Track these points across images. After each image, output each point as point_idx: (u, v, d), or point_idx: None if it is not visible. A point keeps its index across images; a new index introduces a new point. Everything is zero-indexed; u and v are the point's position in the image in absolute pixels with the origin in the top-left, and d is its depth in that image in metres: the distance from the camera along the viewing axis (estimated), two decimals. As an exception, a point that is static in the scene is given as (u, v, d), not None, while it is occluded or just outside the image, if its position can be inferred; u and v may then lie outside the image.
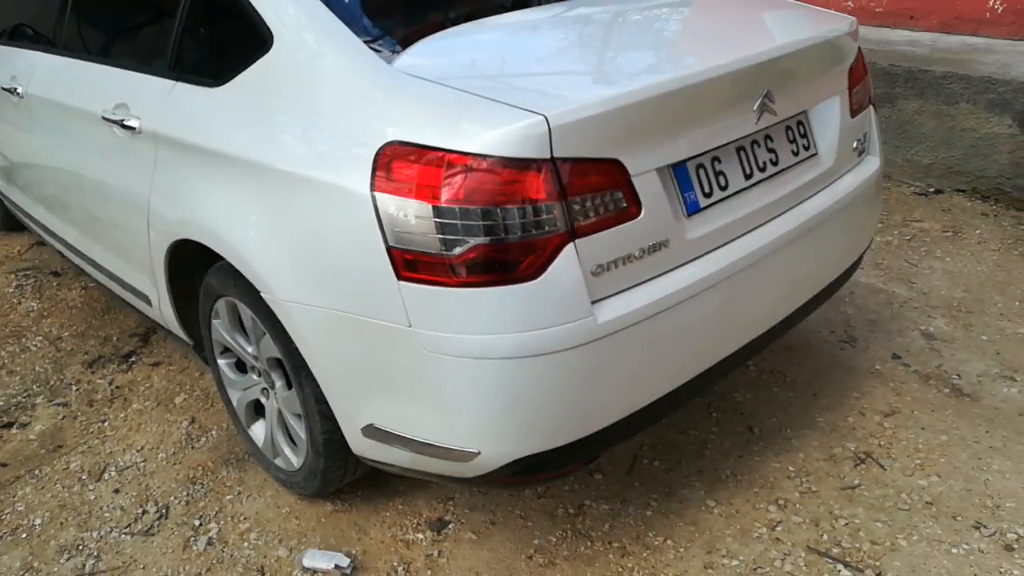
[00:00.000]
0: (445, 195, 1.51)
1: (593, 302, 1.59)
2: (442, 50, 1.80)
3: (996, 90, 3.76)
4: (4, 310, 3.53)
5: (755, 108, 1.83)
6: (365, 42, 1.77)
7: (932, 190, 4.10)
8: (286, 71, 1.83)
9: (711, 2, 2.32)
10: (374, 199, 1.58)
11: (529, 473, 1.73)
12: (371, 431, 1.80)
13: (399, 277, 1.58)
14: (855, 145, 2.20)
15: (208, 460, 2.48)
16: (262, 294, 1.85)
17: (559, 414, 1.64)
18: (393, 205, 1.56)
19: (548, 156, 1.51)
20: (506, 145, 1.49)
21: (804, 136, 2.05)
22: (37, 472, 2.51)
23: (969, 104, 3.87)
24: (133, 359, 3.10)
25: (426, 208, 1.52)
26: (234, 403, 2.38)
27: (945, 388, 2.58)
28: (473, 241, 1.51)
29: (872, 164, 2.28)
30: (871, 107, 2.29)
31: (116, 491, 2.40)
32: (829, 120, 2.10)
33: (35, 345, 3.24)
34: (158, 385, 2.91)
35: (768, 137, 1.94)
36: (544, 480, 2.05)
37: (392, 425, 1.76)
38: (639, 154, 1.62)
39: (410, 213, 1.54)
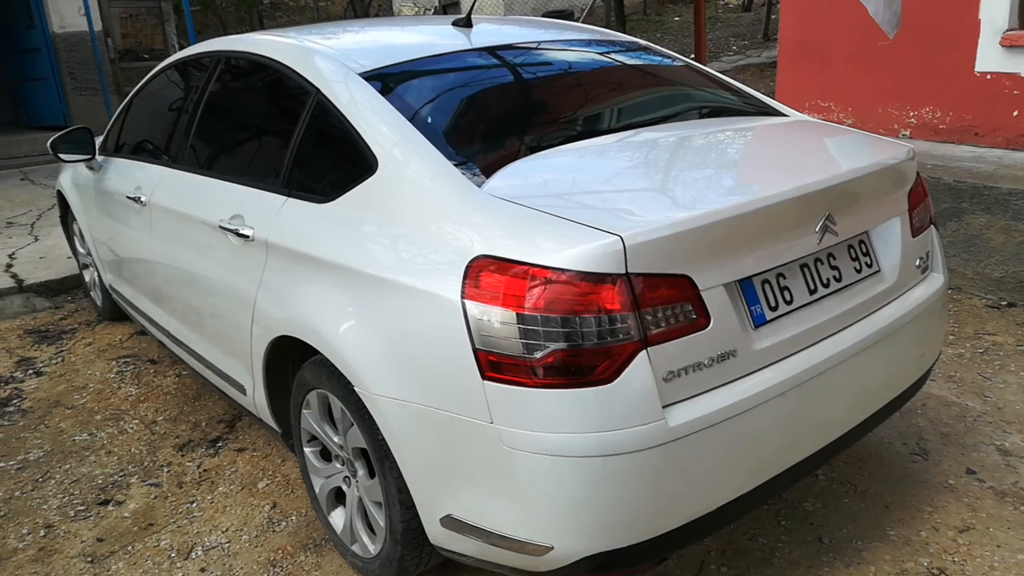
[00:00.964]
0: (528, 304, 1.66)
1: (664, 406, 1.70)
2: (526, 174, 2.00)
3: (1065, 207, 3.80)
4: (105, 393, 3.80)
5: (817, 230, 1.95)
6: (458, 162, 1.99)
7: (1004, 303, 4.08)
8: (390, 191, 2.05)
9: (775, 130, 2.50)
10: (464, 305, 1.74)
11: (599, 570, 1.80)
12: (449, 521, 1.90)
13: (484, 377, 1.72)
14: (918, 263, 2.29)
15: (288, 544, 2.61)
16: (355, 388, 2.01)
17: (630, 513, 1.72)
18: (480, 311, 1.72)
19: (623, 271, 1.66)
20: (584, 261, 1.65)
21: (867, 255, 2.15)
22: (130, 548, 2.67)
23: (1038, 220, 3.90)
24: (220, 444, 3.29)
25: (510, 315, 1.68)
26: (316, 490, 2.52)
27: (1022, 505, 2.54)
28: (552, 346, 1.65)
29: (936, 281, 2.35)
30: (932, 227, 2.39)
31: (202, 570, 2.53)
32: (891, 239, 2.21)
33: (132, 428, 3.47)
34: (243, 470, 3.08)
35: (831, 256, 2.06)
36: None
37: (470, 516, 1.86)
38: (708, 270, 1.76)
39: (496, 319, 1.70)
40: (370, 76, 2.31)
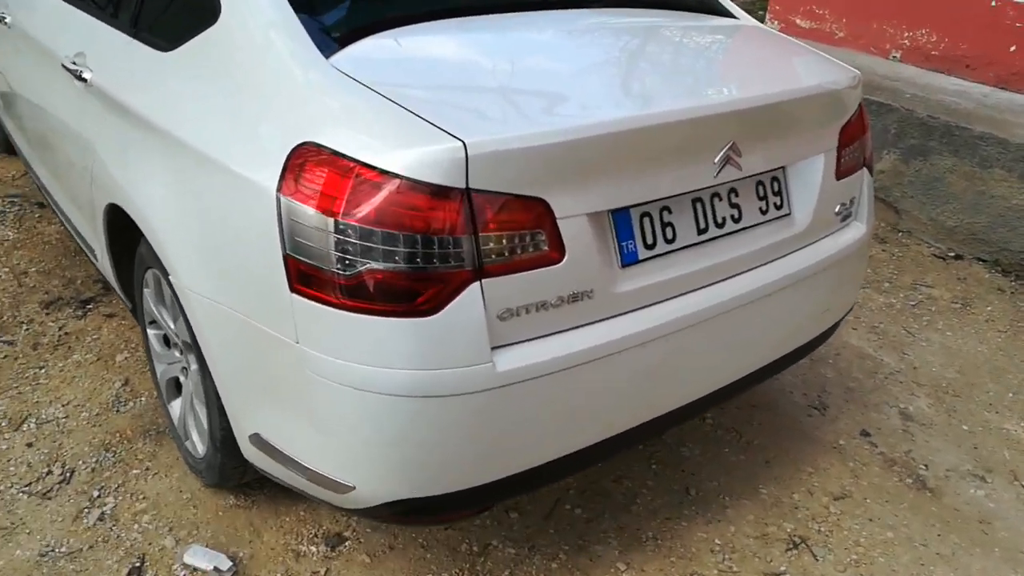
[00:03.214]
0: (345, 208, 1.39)
1: (495, 347, 1.46)
2: (387, 50, 1.67)
3: (1035, 161, 3.52)
4: (-20, 235, 3.50)
5: (716, 160, 1.66)
6: (313, 26, 1.65)
7: (952, 255, 3.86)
8: (225, 47, 1.71)
9: (703, 34, 2.15)
10: (279, 200, 1.46)
11: (409, 515, 1.62)
12: (257, 440, 1.70)
13: (291, 288, 1.46)
14: (839, 209, 2.02)
15: (128, 428, 2.41)
16: (169, 276, 1.75)
17: (444, 461, 1.52)
18: (295, 210, 1.44)
19: (463, 185, 1.38)
20: (417, 167, 1.36)
21: (778, 194, 1.88)
22: (-40, 411, 2.47)
23: (1003, 170, 3.62)
24: (90, 307, 3.04)
25: (326, 220, 1.40)
26: (158, 376, 2.30)
27: (908, 478, 2.40)
28: (368, 264, 1.39)
29: (857, 231, 2.10)
30: (864, 169, 2.11)
31: (29, 444, 2.34)
32: (809, 180, 1.92)
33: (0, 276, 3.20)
34: (105, 339, 2.85)
35: (733, 192, 1.78)
36: (427, 524, 1.93)
37: (275, 440, 1.65)
38: (570, 195, 1.48)
39: (310, 222, 1.42)
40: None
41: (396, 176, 1.37)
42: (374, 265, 1.39)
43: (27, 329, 2.89)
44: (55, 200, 2.82)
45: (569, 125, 1.46)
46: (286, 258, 1.46)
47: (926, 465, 2.46)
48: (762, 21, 6.13)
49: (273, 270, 1.48)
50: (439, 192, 1.37)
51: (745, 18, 2.36)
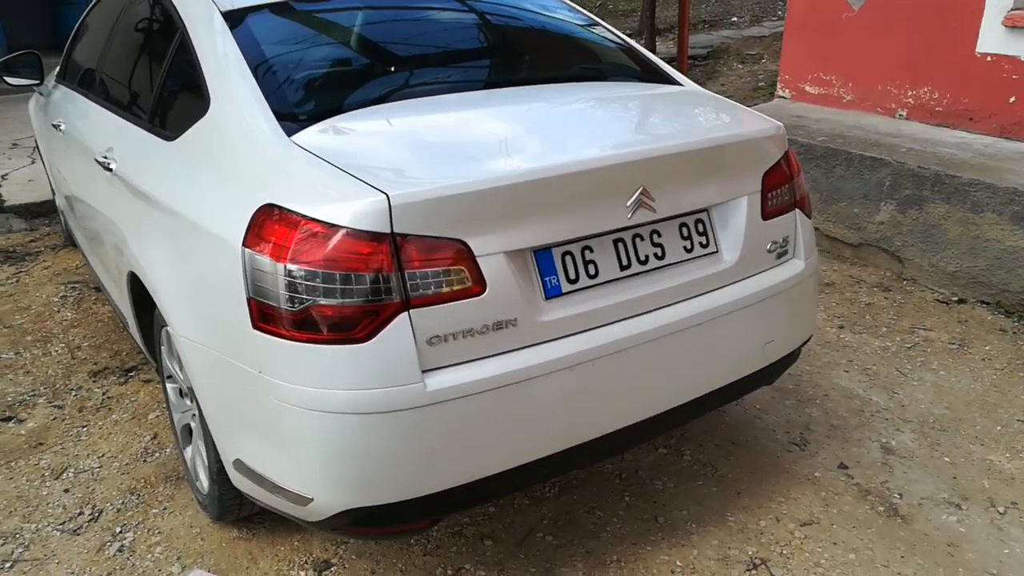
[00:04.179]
0: (292, 255, 1.66)
1: (426, 370, 1.68)
2: (343, 127, 1.97)
3: (1021, 202, 3.59)
4: (44, 316, 3.93)
5: (628, 204, 1.88)
6: (282, 112, 1.97)
7: (955, 299, 3.91)
8: (213, 133, 2.05)
9: (631, 98, 2.39)
10: (243, 253, 1.74)
11: (364, 526, 1.81)
12: (240, 465, 1.94)
13: (254, 326, 1.73)
14: (770, 247, 2.20)
15: (152, 474, 2.69)
16: (167, 327, 2.05)
17: (387, 471, 1.72)
18: (256, 260, 1.72)
19: (388, 231, 1.64)
20: (350, 217, 1.63)
21: (703, 234, 2.08)
22: (12, 464, 2.79)
23: (994, 214, 3.70)
24: (132, 374, 3.38)
25: (278, 266, 1.67)
26: (175, 425, 2.58)
27: (880, 506, 2.47)
28: (311, 300, 1.65)
29: (794, 267, 2.26)
30: (796, 211, 2.28)
31: (66, 490, 2.63)
32: (733, 220, 2.12)
33: (56, 351, 3.59)
34: (141, 401, 3.17)
35: (655, 232, 1.99)
36: (384, 535, 2.10)
37: (253, 463, 1.89)
38: (487, 236, 1.72)
39: (266, 268, 1.69)
40: (233, 14, 2.28)
41: (332, 225, 1.64)
42: (317, 301, 1.64)
43: (75, 395, 3.24)
44: (101, 281, 3.21)
45: (478, 177, 1.71)
46: (249, 300, 1.73)
47: (900, 494, 2.52)
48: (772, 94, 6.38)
49: (240, 312, 1.75)
50: (369, 237, 1.63)
51: (691, 86, 2.60)
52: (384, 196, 1.62)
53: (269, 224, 1.72)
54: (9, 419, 3.08)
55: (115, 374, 3.39)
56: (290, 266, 1.65)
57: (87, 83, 3.25)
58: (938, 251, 3.99)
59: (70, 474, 2.73)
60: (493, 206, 1.73)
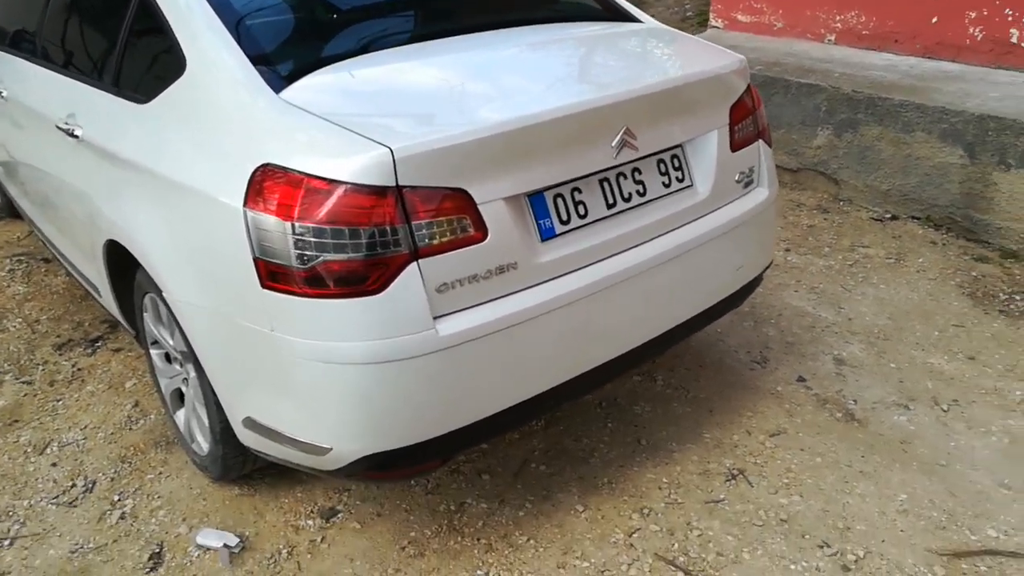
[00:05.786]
0: (300, 214, 1.69)
1: (437, 317, 1.76)
2: (329, 82, 1.98)
3: (949, 120, 3.82)
4: (-8, 292, 3.80)
5: (613, 144, 1.97)
6: (264, 68, 1.96)
7: (888, 216, 4.16)
8: (194, 94, 2.02)
9: (601, 39, 2.46)
10: (245, 215, 1.76)
11: (382, 469, 1.90)
12: (250, 422, 1.99)
13: (263, 285, 1.76)
14: (738, 177, 2.32)
15: (141, 441, 2.70)
16: (163, 294, 2.05)
17: (404, 416, 1.81)
18: (260, 221, 1.74)
19: (393, 184, 1.68)
20: (354, 172, 1.67)
21: (679, 169, 2.18)
22: (-10, 443, 2.76)
23: (924, 133, 3.93)
24: (99, 344, 3.34)
25: (285, 225, 1.70)
26: (163, 390, 2.59)
27: (838, 413, 2.68)
28: (322, 257, 1.69)
29: (760, 195, 2.40)
30: (760, 141, 2.41)
31: (53, 464, 2.62)
32: (706, 154, 2.23)
33: (14, 326, 3.50)
34: (114, 370, 3.14)
35: (636, 170, 2.08)
36: (400, 477, 2.21)
37: (265, 418, 1.94)
38: (486, 184, 1.78)
39: (273, 228, 1.72)
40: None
41: (338, 182, 1.67)
42: (327, 257, 1.69)
43: (43, 369, 3.18)
44: (60, 251, 3.13)
45: (475, 126, 1.76)
46: (256, 261, 1.76)
47: (855, 400, 2.75)
48: (707, 22, 6.48)
49: (247, 273, 1.78)
50: (375, 191, 1.67)
51: (650, 22, 2.67)
52: (387, 149, 1.66)
53: (271, 184, 1.74)
54: (-24, 399, 3.02)
55: (80, 345, 3.33)
56: (298, 224, 1.69)
57: (28, 47, 3.10)
58: (872, 171, 4.22)
59: (54, 448, 2.71)
60: (491, 154, 1.78)
